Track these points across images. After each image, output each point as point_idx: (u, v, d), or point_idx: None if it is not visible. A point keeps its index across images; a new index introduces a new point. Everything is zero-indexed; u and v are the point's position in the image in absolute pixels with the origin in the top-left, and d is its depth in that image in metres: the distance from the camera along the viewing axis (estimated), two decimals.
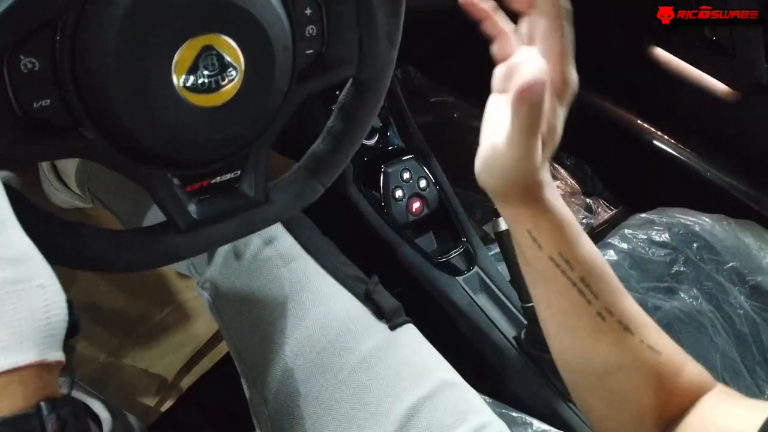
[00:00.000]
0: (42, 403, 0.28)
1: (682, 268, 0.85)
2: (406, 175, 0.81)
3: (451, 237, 0.82)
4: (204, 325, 0.87)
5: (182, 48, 0.36)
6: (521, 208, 0.40)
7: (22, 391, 0.28)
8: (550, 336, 0.44)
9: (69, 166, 0.88)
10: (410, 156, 0.82)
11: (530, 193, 0.39)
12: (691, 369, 0.42)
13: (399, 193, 0.80)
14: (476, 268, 0.77)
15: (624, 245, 0.89)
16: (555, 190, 0.41)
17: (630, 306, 0.41)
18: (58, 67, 0.34)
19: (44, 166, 0.91)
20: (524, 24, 0.41)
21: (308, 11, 0.43)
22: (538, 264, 0.40)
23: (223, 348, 0.87)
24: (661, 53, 1.18)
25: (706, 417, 0.40)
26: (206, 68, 0.37)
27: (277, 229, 0.60)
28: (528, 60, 0.38)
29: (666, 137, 1.22)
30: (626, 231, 0.91)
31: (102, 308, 0.88)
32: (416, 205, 0.81)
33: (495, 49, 0.42)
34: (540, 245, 0.40)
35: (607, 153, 1.29)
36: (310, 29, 0.44)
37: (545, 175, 0.40)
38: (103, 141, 0.37)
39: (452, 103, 1.41)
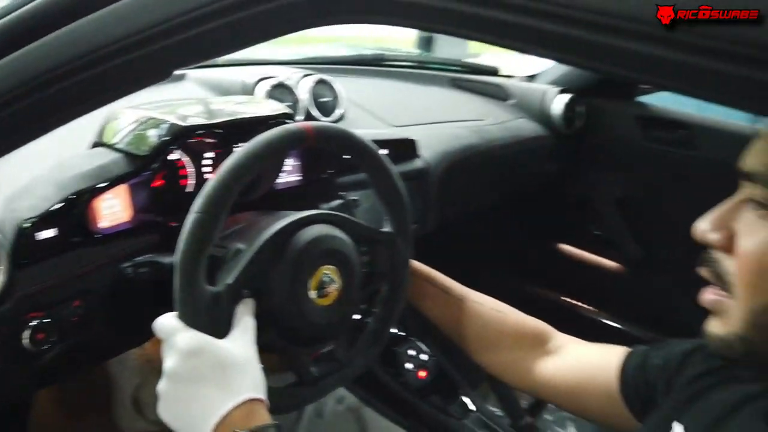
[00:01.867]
0: (277, 423, 0.55)
1: None
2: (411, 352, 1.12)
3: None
4: None
5: (314, 274, 0.70)
6: None
7: (263, 414, 0.56)
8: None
9: (150, 396, 1.13)
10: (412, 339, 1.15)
11: None
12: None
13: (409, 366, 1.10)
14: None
15: None
16: None
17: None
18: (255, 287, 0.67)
19: (126, 399, 1.15)
20: None
21: (363, 248, 0.79)
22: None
23: None
24: (565, 247, 1.64)
25: (580, 353, 0.71)
26: (324, 282, 0.71)
27: (342, 390, 0.88)
28: None
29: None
30: None
31: None
32: (422, 373, 1.11)
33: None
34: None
35: None
36: (365, 258, 0.80)
37: None
38: (277, 336, 0.69)
39: None
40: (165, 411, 0.57)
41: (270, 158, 0.67)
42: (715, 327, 0.52)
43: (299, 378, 0.73)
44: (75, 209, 0.70)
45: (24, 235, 0.64)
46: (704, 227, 0.52)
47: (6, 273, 0.62)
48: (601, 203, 1.54)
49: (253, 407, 0.56)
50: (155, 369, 1.11)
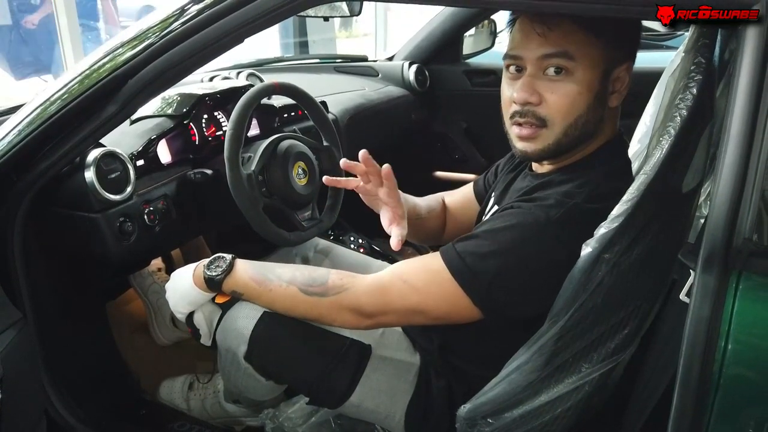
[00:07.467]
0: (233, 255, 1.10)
1: None
2: (352, 238, 1.69)
3: None
4: None
5: (294, 166, 1.26)
6: None
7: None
8: None
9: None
10: (352, 231, 1.72)
11: None
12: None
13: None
14: None
15: None
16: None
17: None
18: (265, 175, 1.21)
19: (166, 319, 1.60)
20: None
21: (314, 155, 1.35)
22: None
23: None
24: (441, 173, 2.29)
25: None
26: (299, 171, 1.27)
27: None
28: None
29: None
30: None
31: None
32: (360, 249, 1.68)
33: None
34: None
35: None
36: (316, 160, 1.36)
37: None
38: (280, 202, 1.23)
39: None
40: (169, 294, 1.05)
41: (257, 100, 1.21)
42: (529, 147, 0.89)
43: (296, 228, 1.28)
44: (150, 149, 1.19)
45: (132, 161, 1.13)
46: (523, 96, 0.84)
47: (133, 182, 1.11)
48: (454, 135, 2.21)
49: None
50: None
